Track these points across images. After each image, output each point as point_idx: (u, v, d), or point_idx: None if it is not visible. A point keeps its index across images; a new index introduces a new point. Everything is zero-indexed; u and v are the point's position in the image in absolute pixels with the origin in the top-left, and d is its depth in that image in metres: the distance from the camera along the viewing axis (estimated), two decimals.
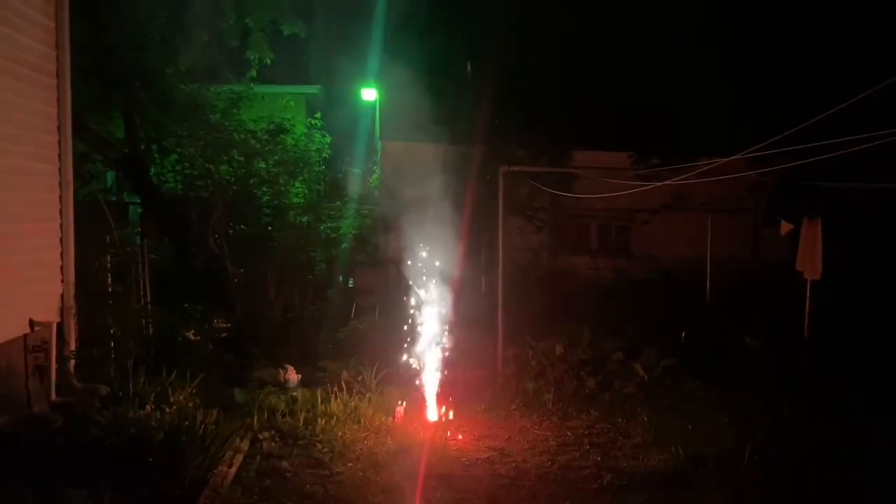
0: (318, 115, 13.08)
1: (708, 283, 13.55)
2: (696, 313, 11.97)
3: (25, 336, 6.99)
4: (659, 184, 10.26)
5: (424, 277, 8.78)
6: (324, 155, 12.60)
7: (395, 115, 14.29)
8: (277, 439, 7.32)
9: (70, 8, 7.66)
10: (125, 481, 5.48)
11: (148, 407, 6.69)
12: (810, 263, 10.25)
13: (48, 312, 7.36)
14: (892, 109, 6.75)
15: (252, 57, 12.51)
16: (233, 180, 11.43)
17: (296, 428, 7.55)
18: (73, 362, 7.61)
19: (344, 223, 12.34)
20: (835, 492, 6.33)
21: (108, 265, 9.21)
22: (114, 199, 12.18)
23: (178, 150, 11.87)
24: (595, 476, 6.71)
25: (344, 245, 12.30)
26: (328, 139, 12.69)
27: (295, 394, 8.39)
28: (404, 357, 8.66)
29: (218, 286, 11.00)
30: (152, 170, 12.30)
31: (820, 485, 6.41)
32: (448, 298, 8.79)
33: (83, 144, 10.79)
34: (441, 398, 8.24)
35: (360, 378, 8.71)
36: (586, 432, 7.93)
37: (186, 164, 11.74)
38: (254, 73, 12.62)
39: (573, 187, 13.82)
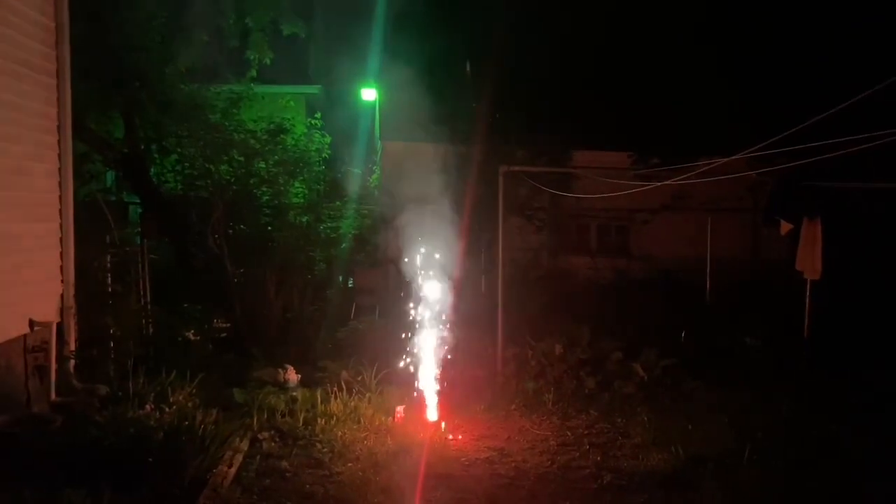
0: (318, 115, 13.08)
1: (708, 283, 13.55)
2: (695, 313, 11.98)
3: (25, 336, 6.99)
4: (659, 184, 10.26)
5: (424, 277, 8.77)
6: (324, 155, 12.60)
7: (395, 114, 14.30)
8: (277, 439, 7.32)
9: (70, 8, 7.66)
10: (125, 481, 5.48)
11: (147, 407, 6.70)
12: (810, 263, 10.25)
13: (48, 312, 7.36)
14: (891, 109, 6.75)
15: (252, 57, 12.51)
16: (233, 180, 11.43)
17: (295, 428, 7.56)
18: (72, 362, 7.61)
19: (344, 223, 12.34)
20: (835, 492, 6.32)
21: (108, 265, 9.22)
22: (113, 199, 12.18)
23: (178, 150, 11.87)
24: (595, 476, 6.71)
25: (344, 245, 12.30)
26: (328, 139, 12.69)
27: (295, 394, 8.38)
28: (404, 357, 8.66)
29: (218, 286, 11.00)
30: (152, 170, 12.30)
31: (820, 485, 6.40)
32: (448, 298, 8.79)
33: (83, 144, 10.79)
34: (441, 398, 8.24)
35: (359, 378, 8.70)
36: (586, 432, 7.93)
37: (186, 164, 11.74)
38: (254, 73, 12.62)
39: (573, 187, 13.82)
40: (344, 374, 8.78)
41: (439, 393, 8.26)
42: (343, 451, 7.04)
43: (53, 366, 7.31)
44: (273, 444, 7.20)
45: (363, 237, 12.75)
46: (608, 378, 9.31)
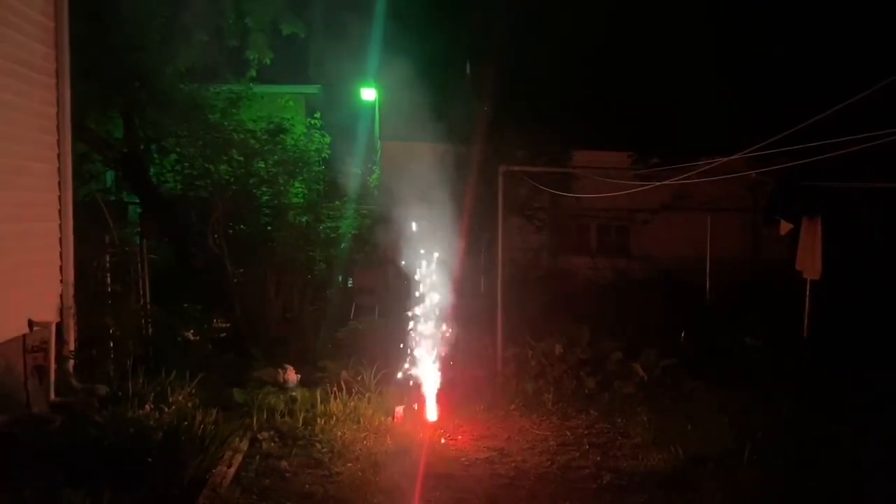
0: (318, 114, 13.09)
1: (707, 282, 13.56)
2: (695, 313, 11.98)
3: (24, 336, 6.99)
4: (659, 184, 10.26)
5: (424, 277, 8.77)
6: (323, 155, 12.61)
7: (395, 114, 14.30)
8: (277, 439, 7.31)
9: (69, 7, 7.66)
10: (124, 481, 5.47)
11: (147, 407, 6.69)
12: (810, 263, 10.26)
13: (47, 312, 7.35)
14: (891, 109, 6.74)
15: (251, 57, 12.52)
16: (232, 180, 11.44)
17: (295, 428, 7.55)
18: (72, 362, 7.61)
19: (343, 223, 12.35)
20: (835, 492, 6.32)
21: (108, 265, 9.21)
22: (113, 198, 12.21)
23: (178, 149, 11.89)
24: (594, 476, 6.71)
25: (343, 245, 12.31)
26: (327, 139, 12.70)
27: (294, 394, 8.38)
28: (403, 357, 8.65)
29: (217, 286, 11.00)
30: (151, 170, 12.31)
31: (820, 485, 6.40)
32: (448, 298, 8.78)
33: (83, 144, 10.81)
34: (440, 398, 8.23)
35: (359, 378, 8.69)
36: (586, 432, 7.93)
37: (186, 164, 11.75)
38: (253, 72, 12.63)
39: (573, 187, 13.82)
40: (343, 374, 8.77)
41: (439, 393, 8.25)
42: (343, 451, 7.03)
43: (53, 366, 7.31)
44: (273, 444, 7.19)
45: (363, 237, 12.75)
46: (608, 378, 9.30)
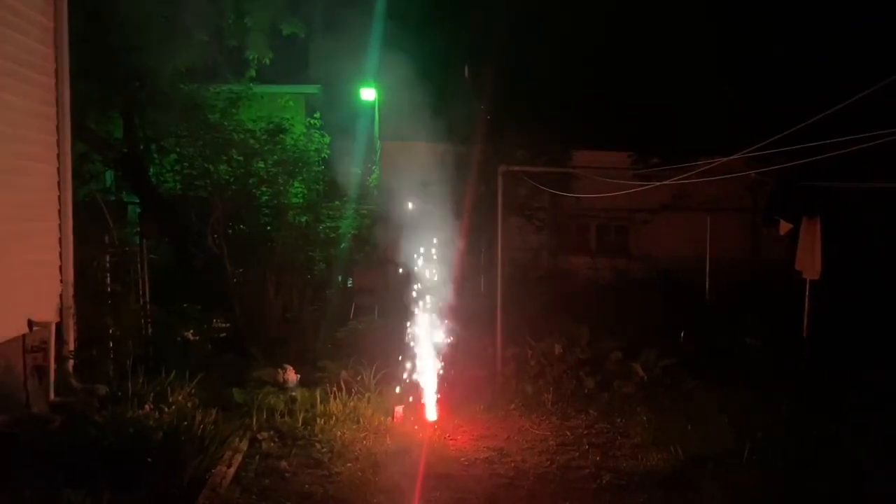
0: (318, 114, 13.08)
1: (707, 282, 13.56)
2: (695, 313, 11.98)
3: (24, 336, 6.99)
4: (658, 183, 10.26)
5: (423, 277, 8.77)
6: (323, 155, 12.60)
7: (395, 114, 14.28)
8: (276, 439, 7.31)
9: (69, 7, 7.65)
10: (124, 481, 5.47)
11: (147, 407, 6.69)
12: (809, 263, 10.26)
13: (47, 312, 7.35)
14: (890, 109, 6.74)
15: (251, 57, 12.50)
16: (232, 180, 11.44)
17: (295, 428, 7.55)
18: (71, 362, 7.61)
19: (343, 223, 12.34)
20: (835, 492, 6.33)
21: (107, 265, 9.21)
22: (113, 198, 12.21)
23: (177, 149, 11.89)
24: (594, 476, 6.71)
25: (343, 245, 12.30)
26: (327, 139, 12.69)
27: (294, 394, 8.38)
28: (403, 357, 8.65)
29: (217, 286, 11.00)
30: (151, 169, 12.31)
31: (820, 485, 6.40)
32: (447, 298, 8.78)
33: (82, 144, 10.81)
34: (440, 398, 8.23)
35: (359, 378, 8.70)
36: (585, 432, 7.93)
37: (185, 164, 11.75)
38: (253, 72, 12.62)
39: (573, 187, 13.83)
40: (343, 374, 8.77)
41: (439, 393, 8.26)
42: (342, 451, 7.03)
43: (52, 366, 7.31)
44: (272, 444, 7.19)
45: (362, 237, 12.74)
46: (608, 378, 9.30)
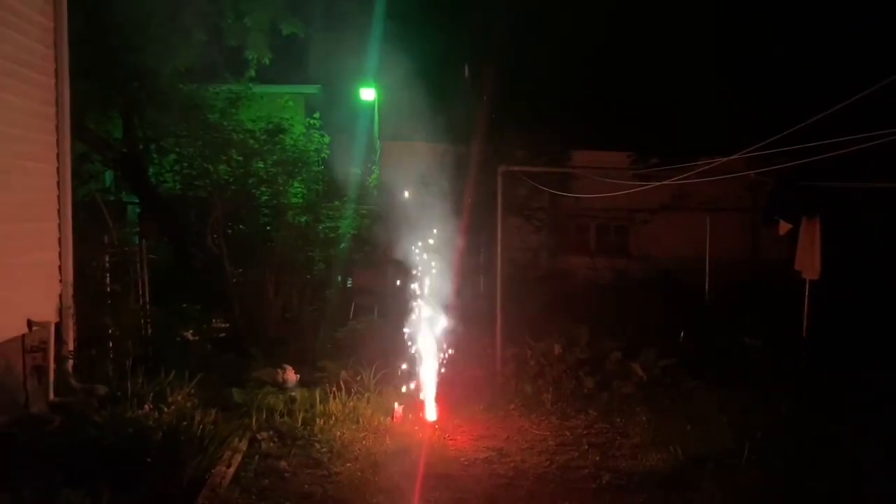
0: (317, 114, 13.08)
1: (707, 282, 13.56)
2: (694, 313, 11.99)
3: (23, 336, 6.99)
4: (658, 184, 10.26)
5: (423, 277, 8.77)
6: (322, 155, 12.60)
7: (394, 114, 14.30)
8: (276, 439, 7.30)
9: (68, 7, 7.65)
10: (123, 481, 5.47)
11: (146, 407, 6.67)
12: (809, 263, 10.26)
13: (46, 312, 7.35)
14: (890, 109, 6.74)
15: (251, 57, 12.50)
16: (231, 180, 11.43)
17: (294, 428, 7.55)
18: (71, 362, 7.61)
19: (342, 223, 12.34)
20: (834, 492, 6.32)
21: (107, 265, 9.21)
22: (112, 198, 12.21)
23: (177, 149, 11.88)
24: (593, 476, 6.71)
25: (342, 245, 12.29)
26: (327, 139, 12.68)
27: (293, 394, 8.37)
28: (403, 357, 8.65)
29: (216, 286, 11.00)
30: (151, 169, 12.31)
31: (819, 485, 6.40)
32: (447, 298, 8.78)
33: (82, 144, 10.81)
34: (440, 398, 8.23)
35: (358, 378, 8.70)
36: (585, 432, 7.93)
37: (185, 164, 11.75)
38: (252, 72, 12.61)
39: (572, 187, 13.83)
40: (343, 374, 8.77)
41: (438, 393, 8.25)
42: (342, 451, 7.03)
43: (52, 366, 7.31)
44: (272, 444, 7.19)
45: (362, 237, 12.74)
46: (607, 378, 9.30)
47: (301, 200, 12.23)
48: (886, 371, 9.07)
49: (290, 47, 13.99)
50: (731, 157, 8.01)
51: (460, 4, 14.90)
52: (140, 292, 9.81)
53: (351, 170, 14.36)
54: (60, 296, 7.63)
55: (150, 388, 7.21)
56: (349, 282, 13.02)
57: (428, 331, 8.53)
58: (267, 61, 12.63)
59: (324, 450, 7.08)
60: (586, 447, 7.45)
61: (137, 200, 12.56)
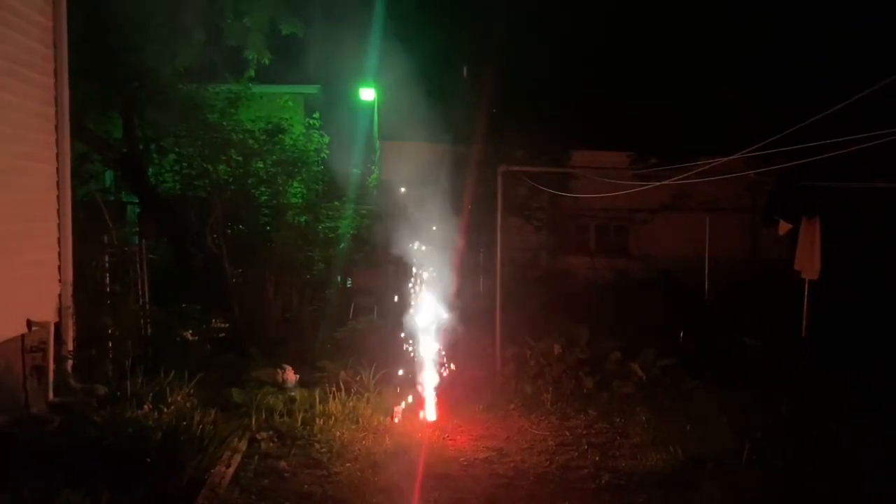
0: (317, 114, 13.08)
1: (706, 282, 13.56)
2: (694, 313, 11.99)
3: (23, 336, 6.98)
4: (658, 184, 10.26)
5: (422, 277, 8.77)
6: (322, 155, 12.60)
7: (394, 114, 14.30)
8: (275, 439, 7.30)
9: (68, 7, 7.65)
10: (123, 481, 5.46)
11: (146, 407, 6.68)
12: (809, 263, 10.26)
13: (46, 312, 7.34)
14: (890, 109, 6.74)
15: (250, 57, 12.49)
16: (231, 180, 11.44)
17: (294, 428, 7.54)
18: (70, 362, 7.60)
19: (342, 223, 12.34)
20: (834, 492, 6.32)
21: (106, 265, 9.20)
22: (112, 198, 12.20)
23: (177, 149, 11.89)
24: (593, 476, 6.70)
25: (342, 245, 12.30)
26: (326, 139, 12.68)
27: (293, 394, 8.37)
28: (402, 357, 8.65)
29: (216, 286, 11.00)
30: (150, 169, 12.31)
31: (819, 485, 6.40)
32: (446, 298, 8.78)
33: (82, 144, 10.80)
34: (439, 398, 8.23)
35: (358, 378, 8.70)
36: (584, 432, 7.92)
37: (184, 164, 11.75)
38: (252, 72, 12.60)
39: (572, 187, 13.83)
40: (342, 374, 8.77)
41: (438, 393, 8.25)
42: (341, 452, 7.02)
43: (51, 366, 7.30)
44: (271, 444, 7.18)
45: (362, 237, 12.74)
46: (607, 378, 9.30)
47: (301, 200, 12.23)
48: (886, 371, 9.07)
49: (289, 47, 13.97)
50: (731, 157, 8.01)
51: (460, 4, 14.90)
52: (140, 292, 9.81)
53: (350, 170, 14.37)
54: (60, 296, 7.62)
55: (150, 388, 7.23)
56: (349, 282, 13.03)
57: (428, 331, 8.53)
58: (266, 61, 12.61)
59: (323, 450, 7.08)
60: (586, 447, 7.45)
61: (137, 200, 12.56)
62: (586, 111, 14.15)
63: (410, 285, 8.84)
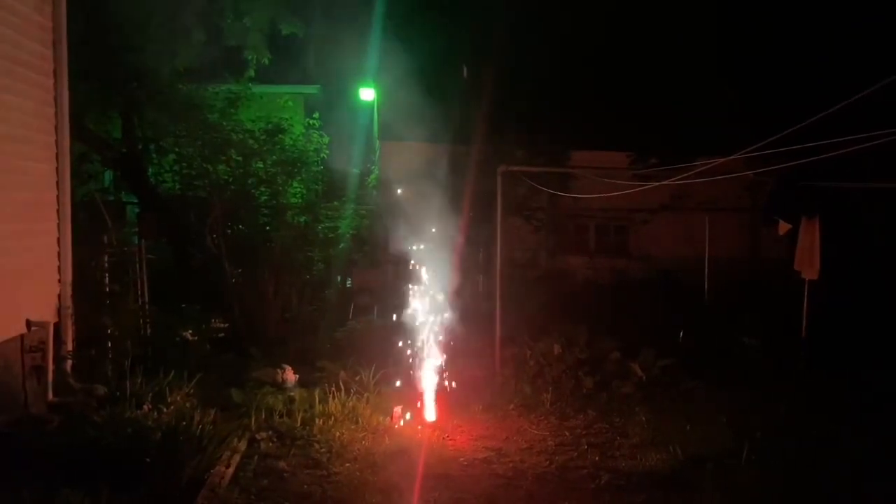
0: (317, 114, 13.07)
1: (706, 282, 13.56)
2: (694, 313, 11.98)
3: (22, 336, 6.98)
4: (657, 184, 10.26)
5: (422, 277, 8.77)
6: (322, 155, 12.60)
7: (394, 114, 14.28)
8: (275, 439, 7.30)
9: (67, 7, 7.65)
10: (122, 481, 5.47)
11: (145, 407, 6.69)
12: (808, 263, 10.26)
13: (45, 312, 7.35)
14: (890, 109, 6.74)
15: (250, 57, 12.49)
16: (230, 180, 11.43)
17: (293, 428, 7.54)
18: (70, 362, 7.60)
19: (342, 223, 12.34)
20: (834, 492, 6.32)
21: (106, 265, 9.20)
22: (111, 198, 12.18)
23: (176, 149, 11.88)
24: (593, 476, 6.70)
25: (342, 245, 12.29)
26: (326, 139, 12.68)
27: (293, 394, 8.37)
28: (402, 357, 8.65)
29: (216, 286, 11.00)
30: (150, 170, 12.31)
31: (819, 485, 6.40)
32: (446, 298, 8.78)
33: (81, 144, 10.79)
34: (439, 398, 8.23)
35: (357, 378, 8.69)
36: (584, 432, 7.92)
37: (184, 164, 11.74)
38: (252, 72, 12.58)
39: (571, 187, 13.83)
40: (342, 374, 8.77)
41: (437, 393, 8.25)
42: (341, 452, 7.03)
43: (51, 366, 7.30)
44: (271, 444, 7.18)
45: (361, 237, 12.74)
46: (606, 378, 9.30)
47: (300, 200, 12.23)
48: (886, 371, 9.08)
49: (289, 47, 13.97)
50: (731, 158, 8.01)
51: (460, 4, 14.90)
52: (139, 292, 9.81)
53: (350, 170, 14.36)
54: (59, 296, 7.63)
55: (149, 389, 7.23)
56: (348, 282, 13.02)
57: (427, 331, 8.53)
58: (266, 61, 12.60)
59: (323, 450, 7.08)
60: (585, 447, 7.45)
61: (137, 200, 12.56)
62: (586, 111, 14.15)
63: (410, 285, 8.84)
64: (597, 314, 11.24)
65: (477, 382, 9.07)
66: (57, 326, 7.49)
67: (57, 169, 7.63)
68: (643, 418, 8.10)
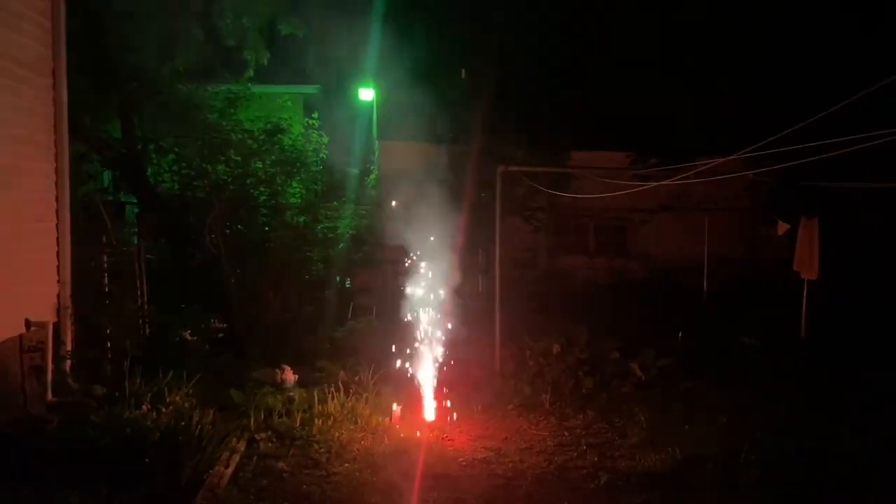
0: (316, 114, 13.07)
1: (705, 282, 13.55)
2: (693, 313, 11.98)
3: (21, 336, 6.98)
4: (656, 184, 10.26)
5: (422, 277, 8.77)
6: (321, 155, 12.59)
7: (393, 114, 14.30)
8: (274, 440, 7.30)
9: (66, 7, 7.64)
10: (121, 481, 5.47)
11: (144, 407, 6.69)
12: (808, 263, 10.26)
13: (44, 312, 7.34)
14: (889, 109, 6.74)
15: (249, 57, 12.48)
16: (230, 180, 11.43)
17: (293, 428, 7.53)
18: (69, 362, 7.59)
19: (341, 223, 12.33)
20: (832, 491, 6.32)
21: (105, 265, 9.20)
22: (111, 198, 12.16)
23: (175, 149, 11.87)
24: (592, 476, 6.70)
25: (341, 245, 12.28)
26: (325, 139, 12.68)
27: (292, 394, 8.36)
28: (401, 357, 8.65)
29: (215, 286, 10.97)
30: (149, 170, 12.28)
31: (819, 485, 6.40)
32: (446, 298, 8.78)
33: (80, 144, 10.76)
34: (438, 398, 8.23)
35: (357, 378, 8.68)
36: (583, 432, 7.92)
37: (183, 164, 11.74)
38: (251, 72, 12.57)
39: (571, 187, 13.81)
40: (341, 374, 8.76)
41: (437, 393, 8.25)
42: (340, 452, 7.03)
43: (50, 366, 7.29)
44: (270, 444, 7.18)
45: (361, 237, 12.73)
46: (606, 378, 9.30)
47: (299, 200, 12.22)
48: (886, 371, 9.08)
49: (288, 47, 13.97)
50: (730, 158, 8.01)
51: (459, 5, 14.89)
52: (138, 292, 9.79)
53: (349, 170, 14.35)
54: (58, 296, 7.62)
55: (148, 389, 7.22)
56: (348, 282, 13.01)
57: (426, 331, 8.53)
58: (265, 61, 12.60)
59: (322, 450, 7.08)
60: (585, 447, 7.45)
61: (136, 200, 12.53)
62: (585, 111, 14.14)
63: (409, 285, 8.84)
64: (596, 314, 11.26)
65: (476, 382, 9.08)
66: (56, 326, 7.48)
67: (56, 169, 7.62)
68: (642, 418, 8.10)
